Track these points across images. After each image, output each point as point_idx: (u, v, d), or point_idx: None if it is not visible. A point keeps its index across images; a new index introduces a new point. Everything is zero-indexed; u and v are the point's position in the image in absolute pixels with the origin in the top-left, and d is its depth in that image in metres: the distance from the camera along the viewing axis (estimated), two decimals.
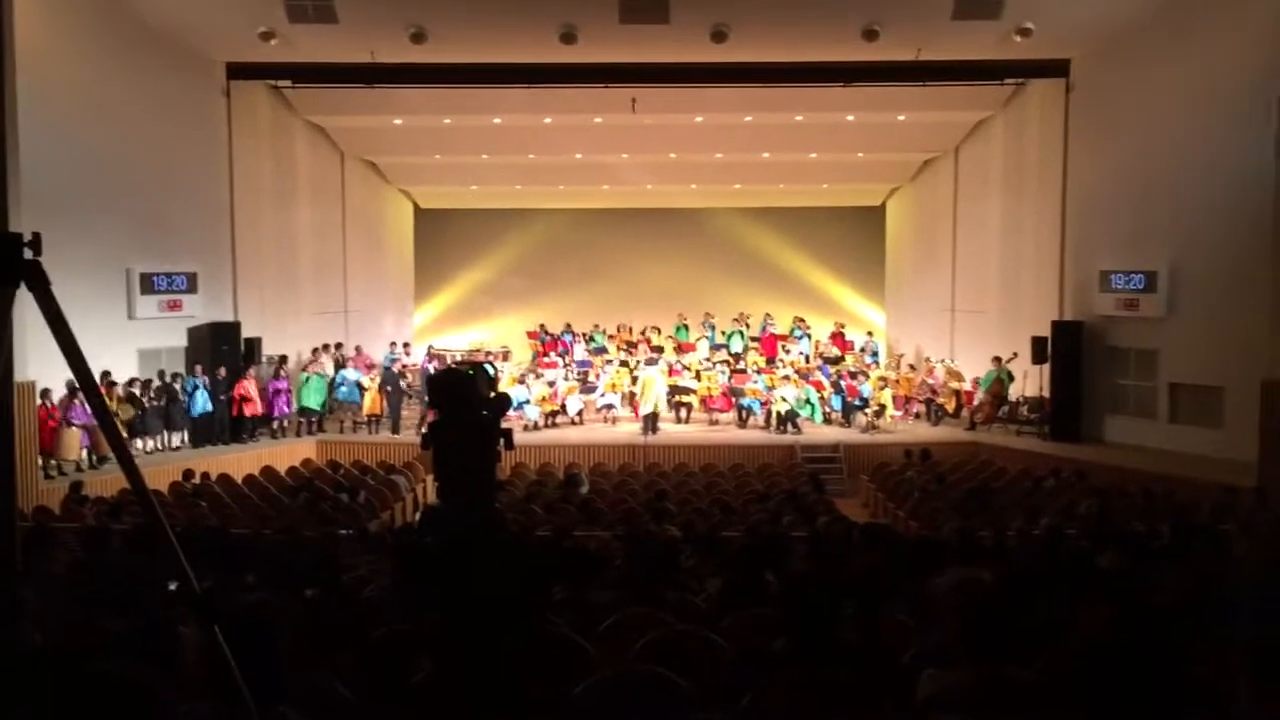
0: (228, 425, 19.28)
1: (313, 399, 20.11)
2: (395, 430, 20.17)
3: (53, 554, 8.28)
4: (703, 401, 21.43)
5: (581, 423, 21.30)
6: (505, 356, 24.95)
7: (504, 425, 3.26)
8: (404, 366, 21.63)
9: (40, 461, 15.85)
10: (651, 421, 20.03)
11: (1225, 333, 16.98)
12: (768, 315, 25.76)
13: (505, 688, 3.35)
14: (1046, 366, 19.64)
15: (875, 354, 24.35)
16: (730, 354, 23.82)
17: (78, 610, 5.72)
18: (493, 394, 3.25)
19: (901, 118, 22.15)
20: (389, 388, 20.37)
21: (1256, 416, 15.27)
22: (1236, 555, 8.31)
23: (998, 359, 20.39)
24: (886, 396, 20.59)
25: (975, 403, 20.81)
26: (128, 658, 4.42)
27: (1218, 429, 17.45)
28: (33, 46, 15.40)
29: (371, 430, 20.43)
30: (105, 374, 17.01)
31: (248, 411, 19.33)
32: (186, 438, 18.89)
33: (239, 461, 18.12)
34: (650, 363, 21.33)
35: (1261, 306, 15.43)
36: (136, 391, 17.65)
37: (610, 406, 21.22)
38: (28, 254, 2.71)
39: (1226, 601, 5.62)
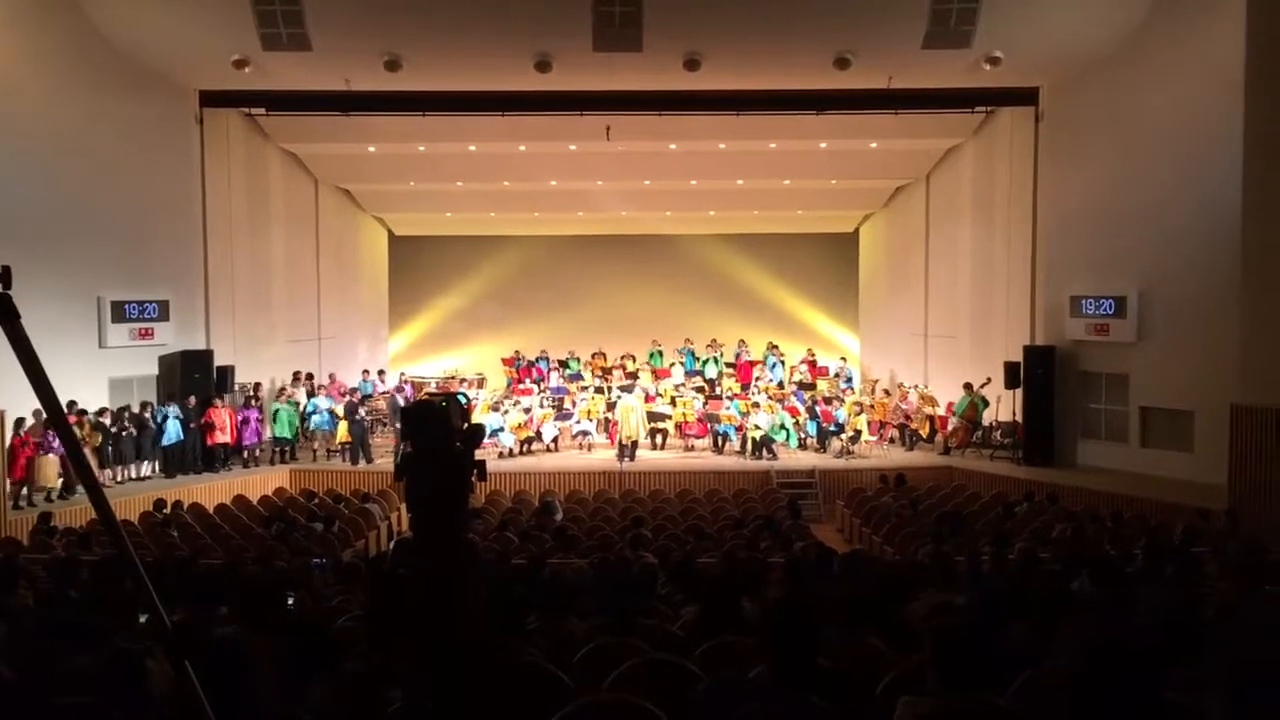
0: (200, 454, 19.11)
1: (284, 428, 19.93)
2: (358, 460, 19.91)
3: (21, 586, 8.17)
4: (678, 428, 21.45)
5: (557, 449, 21.26)
6: (480, 383, 24.88)
7: (477, 456, 3.25)
8: (371, 396, 21.50)
9: (9, 491, 15.67)
10: (630, 449, 20.01)
11: (1194, 357, 17.18)
12: (741, 341, 25.83)
13: (480, 718, 3.33)
14: (1019, 391, 19.78)
15: (849, 379, 24.44)
16: (705, 380, 23.85)
17: (46, 644, 5.64)
18: (466, 425, 3.23)
19: (873, 145, 22.35)
20: (352, 419, 20.09)
21: (1226, 439, 15.44)
22: (1209, 578, 8.37)
23: (969, 385, 20.52)
24: (861, 422, 20.66)
25: (949, 428, 20.90)
26: (96, 692, 4.37)
27: (1188, 452, 17.63)
28: (4, 74, 15.35)
29: (344, 459, 20.29)
30: (71, 403, 16.83)
31: (213, 440, 19.11)
32: (158, 467, 18.72)
33: (211, 491, 17.95)
34: (626, 389, 21.33)
35: (1229, 331, 15.62)
36: (107, 421, 17.47)
37: (586, 433, 21.19)
38: None
39: (1200, 624, 5.66)
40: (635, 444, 20.13)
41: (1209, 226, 16.61)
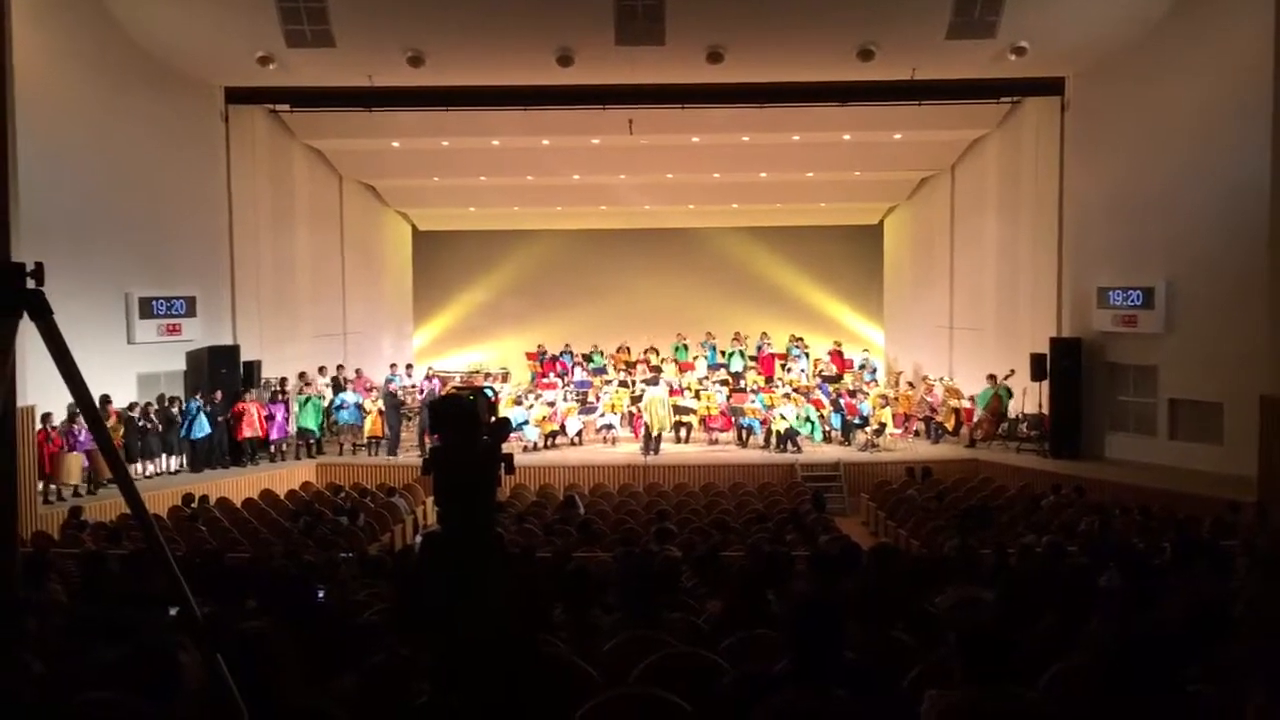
0: (227, 449, 19.26)
1: (310, 420, 20.08)
2: (393, 452, 20.17)
3: (52, 580, 8.26)
4: (702, 421, 21.43)
5: (581, 443, 21.30)
6: (504, 378, 24.96)
7: (504, 450, 3.26)
8: (404, 388, 21.59)
9: (40, 487, 15.84)
10: (655, 442, 20.03)
11: (1223, 348, 17.00)
12: (764, 334, 25.78)
13: (506, 712, 3.34)
14: (1046, 383, 19.65)
15: (874, 371, 24.36)
16: (729, 373, 23.82)
17: (77, 637, 5.71)
18: (493, 418, 3.25)
19: (897, 137, 22.24)
20: (388, 410, 20.32)
21: (1256, 432, 15.27)
22: (1238, 572, 8.29)
23: (993, 376, 20.39)
24: (886, 414, 20.59)
25: (974, 420, 20.79)
26: (127, 685, 4.41)
27: (1218, 445, 17.46)
28: (32, 73, 15.47)
29: (372, 452, 20.42)
30: (105, 398, 17.01)
31: (244, 432, 19.27)
32: (185, 461, 18.88)
33: (238, 485, 18.10)
34: (651, 382, 21.33)
35: (1259, 322, 15.45)
36: (135, 415, 17.63)
37: (610, 427, 21.21)
38: (30, 283, 2.72)
39: (1229, 618, 5.61)
40: (660, 437, 20.15)
41: (1237, 216, 16.42)
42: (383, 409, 20.45)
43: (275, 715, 3.63)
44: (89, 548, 11.69)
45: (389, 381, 21.75)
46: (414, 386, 22.00)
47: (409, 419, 21.53)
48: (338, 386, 21.60)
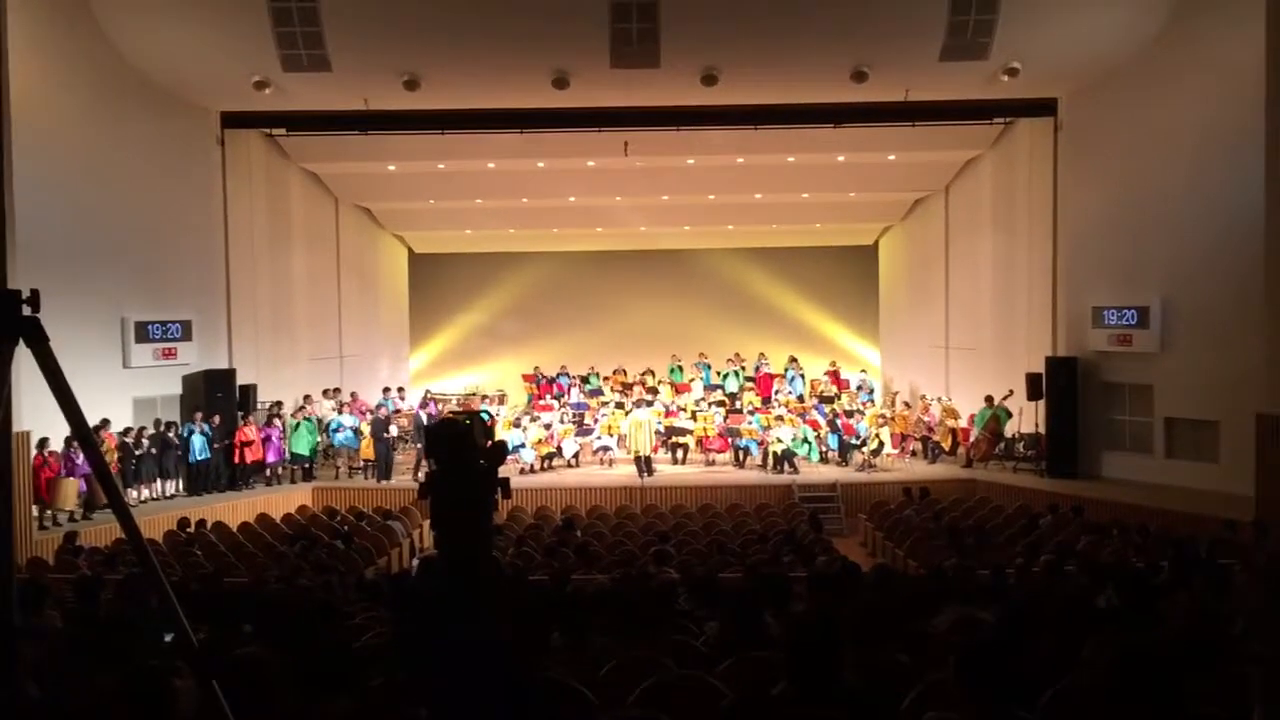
0: (224, 473, 19.20)
1: (303, 445, 20.00)
2: (386, 477, 20.01)
3: (47, 606, 8.21)
4: (699, 442, 21.41)
5: (578, 465, 21.27)
6: (501, 400, 24.94)
7: (501, 473, 3.26)
8: (396, 413, 21.52)
9: (35, 512, 15.78)
10: (646, 464, 19.99)
11: (1219, 367, 17.04)
12: (762, 355, 25.81)
13: None
14: (1042, 403, 19.66)
15: (870, 392, 24.37)
16: (725, 394, 23.82)
17: (73, 663, 5.67)
18: (489, 442, 3.25)
19: (892, 157, 22.33)
20: (381, 436, 20.19)
21: (1252, 450, 15.28)
22: (1237, 590, 8.27)
23: (990, 398, 20.39)
24: (884, 434, 20.57)
25: (971, 440, 20.78)
26: (122, 711, 4.38)
27: (1214, 463, 17.46)
28: (28, 98, 15.51)
29: (367, 476, 20.36)
30: (106, 421, 16.97)
31: (249, 457, 19.27)
32: (182, 485, 18.82)
33: (234, 509, 18.03)
34: (641, 405, 21.30)
35: (1254, 339, 15.48)
36: (130, 441, 17.59)
37: (606, 449, 21.17)
38: (26, 310, 2.72)
39: (1228, 637, 5.60)
40: (649, 459, 20.09)
41: (1231, 235, 16.49)
42: (378, 435, 20.38)
43: None
44: (84, 573, 11.63)
45: (379, 406, 21.69)
46: (398, 412, 21.88)
47: (406, 442, 21.47)
48: (338, 409, 21.53)
